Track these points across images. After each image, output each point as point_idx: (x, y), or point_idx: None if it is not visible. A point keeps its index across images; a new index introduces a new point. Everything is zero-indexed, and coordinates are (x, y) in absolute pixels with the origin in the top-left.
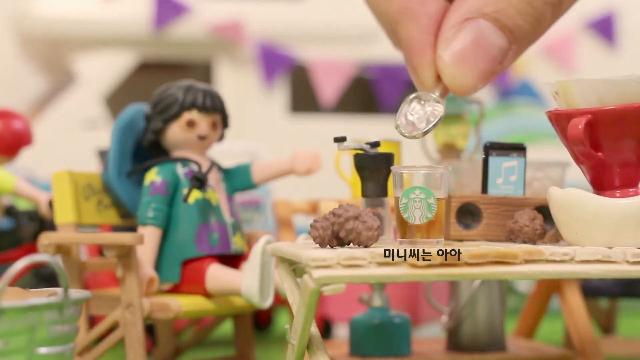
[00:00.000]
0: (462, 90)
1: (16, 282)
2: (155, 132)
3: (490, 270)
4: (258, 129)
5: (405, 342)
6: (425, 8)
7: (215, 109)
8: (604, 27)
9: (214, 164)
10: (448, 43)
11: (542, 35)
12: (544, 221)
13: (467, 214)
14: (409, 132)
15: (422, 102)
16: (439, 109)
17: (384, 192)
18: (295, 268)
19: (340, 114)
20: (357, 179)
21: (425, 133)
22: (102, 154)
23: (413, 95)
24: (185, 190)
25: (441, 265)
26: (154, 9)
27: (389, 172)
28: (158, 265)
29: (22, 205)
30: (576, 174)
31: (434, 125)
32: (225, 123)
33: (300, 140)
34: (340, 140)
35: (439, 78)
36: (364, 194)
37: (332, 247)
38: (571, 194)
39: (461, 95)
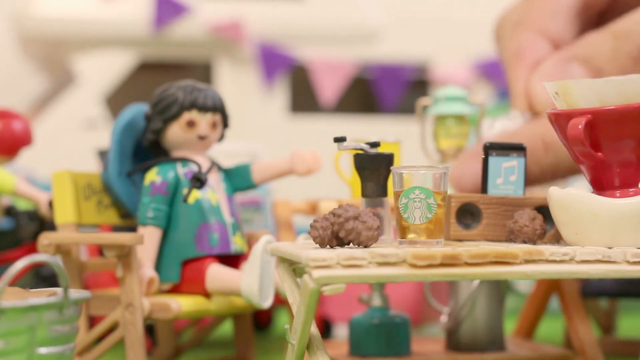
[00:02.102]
0: (537, 107)
1: (16, 282)
2: (155, 132)
3: (490, 270)
4: (258, 129)
5: (405, 342)
6: (534, 52)
7: (215, 109)
8: None
9: (214, 164)
10: (540, 74)
11: None
12: (544, 221)
13: (467, 214)
14: None
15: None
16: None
17: (383, 192)
18: (295, 268)
19: (340, 114)
20: (357, 179)
21: None
22: (102, 154)
23: None
24: (185, 190)
25: (441, 265)
26: (154, 9)
27: (389, 172)
28: (158, 265)
29: (22, 205)
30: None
31: None
32: (225, 123)
33: (300, 140)
34: (340, 140)
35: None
36: (363, 194)
37: (332, 247)
38: (571, 194)
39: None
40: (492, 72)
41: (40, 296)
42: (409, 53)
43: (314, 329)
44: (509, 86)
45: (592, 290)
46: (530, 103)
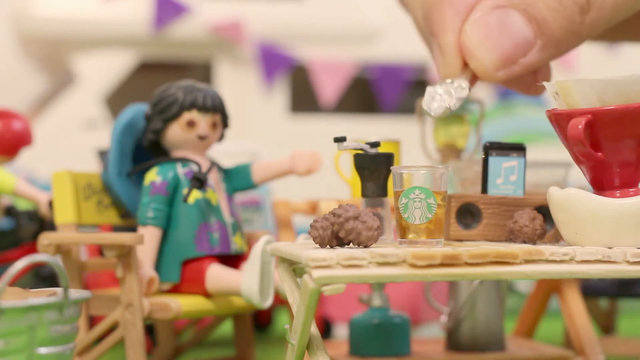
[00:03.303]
0: (483, 71)
1: (16, 282)
2: (155, 132)
3: (490, 270)
4: (258, 129)
5: (405, 342)
6: None
7: (215, 109)
8: None
9: (214, 164)
10: (475, 21)
11: (571, 46)
12: (544, 221)
13: (467, 214)
14: (435, 110)
15: (447, 84)
16: (465, 87)
17: (384, 192)
18: (295, 268)
19: (340, 114)
20: (357, 179)
21: (452, 109)
22: (102, 154)
23: (437, 84)
24: (185, 190)
25: (441, 265)
26: (154, 9)
27: (389, 172)
28: (158, 265)
29: (22, 205)
30: (577, 173)
31: (459, 102)
32: (225, 123)
33: (300, 140)
34: (340, 140)
35: (465, 65)
36: (363, 194)
37: (332, 247)
38: (571, 194)
39: (483, 79)
40: None
41: (40, 296)
42: (409, 53)
43: (314, 329)
44: (434, 36)
45: (592, 290)
46: (465, 61)
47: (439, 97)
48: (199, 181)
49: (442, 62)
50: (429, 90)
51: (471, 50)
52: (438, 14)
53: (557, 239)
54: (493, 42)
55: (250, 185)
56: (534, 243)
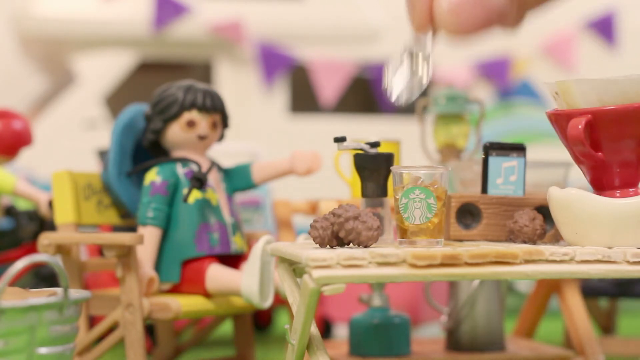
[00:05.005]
0: (452, 37)
1: (16, 282)
2: (155, 132)
3: (490, 270)
4: (258, 129)
5: (405, 342)
6: None
7: (215, 109)
8: (604, 27)
9: (214, 164)
10: None
11: (545, 2)
12: (544, 221)
13: (467, 214)
14: (398, 98)
15: (413, 59)
16: (426, 73)
17: (384, 192)
18: (295, 268)
19: (340, 114)
20: (357, 179)
21: (412, 99)
22: (102, 154)
23: (403, 53)
24: (185, 190)
25: (441, 265)
26: (154, 9)
27: (389, 172)
28: (158, 265)
29: (22, 205)
30: (577, 173)
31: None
32: (225, 123)
33: (300, 140)
34: (340, 140)
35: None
36: (364, 194)
37: (332, 247)
38: (571, 194)
39: (451, 41)
40: (492, 72)
41: (40, 296)
42: None
43: (314, 329)
44: None
45: (592, 290)
46: (442, 28)
47: (402, 83)
48: (198, 181)
49: (412, 14)
50: (395, 70)
51: (441, 20)
52: None
53: (557, 239)
54: (466, 16)
55: (250, 185)
56: (534, 243)
